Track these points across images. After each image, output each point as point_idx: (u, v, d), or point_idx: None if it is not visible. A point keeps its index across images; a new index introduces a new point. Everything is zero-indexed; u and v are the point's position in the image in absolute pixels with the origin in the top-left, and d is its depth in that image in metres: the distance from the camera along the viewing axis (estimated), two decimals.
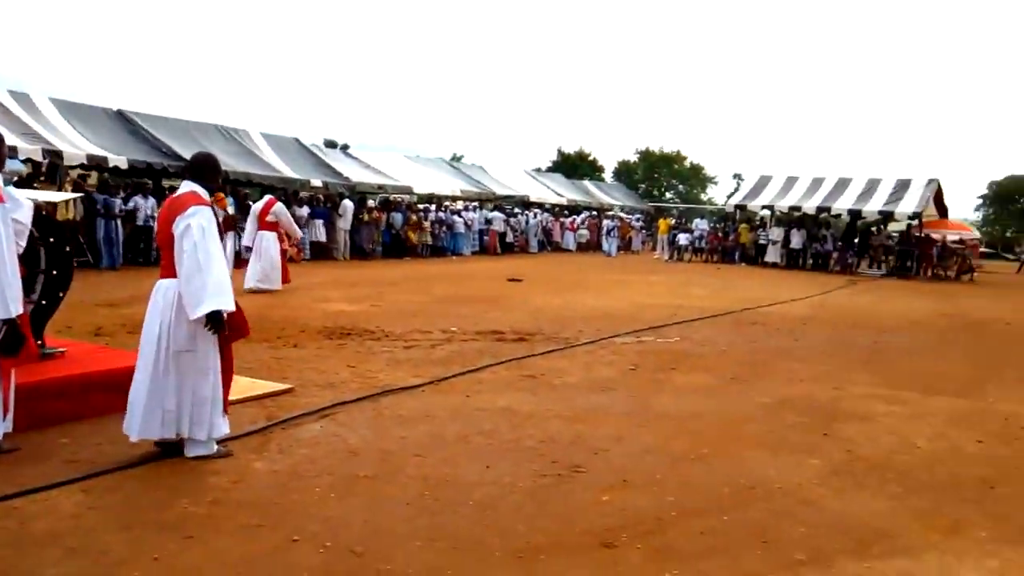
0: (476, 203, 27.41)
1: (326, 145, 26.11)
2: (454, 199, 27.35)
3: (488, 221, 26.62)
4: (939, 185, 25.63)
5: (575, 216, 32.73)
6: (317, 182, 20.49)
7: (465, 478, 4.30)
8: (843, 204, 25.34)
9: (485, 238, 26.47)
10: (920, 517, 4.09)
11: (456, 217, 25.19)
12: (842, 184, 26.24)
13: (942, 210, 26.97)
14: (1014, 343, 11.15)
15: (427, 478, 4.26)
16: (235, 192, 18.88)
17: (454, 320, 10.13)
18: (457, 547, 3.43)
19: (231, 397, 4.81)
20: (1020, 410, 6.63)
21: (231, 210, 15.28)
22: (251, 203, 18.48)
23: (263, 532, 3.49)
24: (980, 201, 53.27)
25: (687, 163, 59.03)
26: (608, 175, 55.15)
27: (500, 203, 28.71)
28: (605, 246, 30.02)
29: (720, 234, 28.63)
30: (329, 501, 3.88)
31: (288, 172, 20.04)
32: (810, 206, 25.66)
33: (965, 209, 51.17)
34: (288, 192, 18.71)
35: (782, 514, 4.03)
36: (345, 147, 26.59)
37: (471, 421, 5.44)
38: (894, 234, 26.68)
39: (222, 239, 4.48)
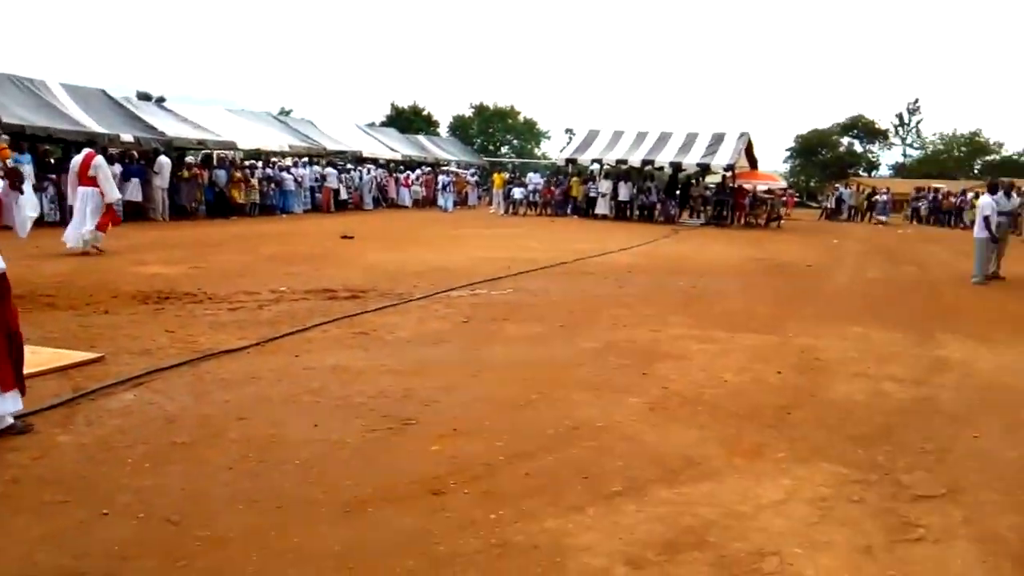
0: (306, 159, 26.41)
1: (139, 97, 24.24)
2: (283, 155, 26.24)
3: (322, 178, 25.77)
4: (749, 138, 27.35)
5: (410, 172, 32.34)
6: (128, 137, 18.96)
7: (291, 438, 4.22)
8: (665, 157, 26.51)
9: (318, 196, 25.63)
10: (725, 444, 4.44)
11: (285, 174, 24.17)
12: (664, 138, 27.43)
13: (753, 162, 28.79)
14: (813, 283, 12.21)
15: (251, 440, 4.14)
16: (34, 148, 17.22)
17: (283, 280, 9.81)
18: (281, 506, 3.37)
19: (29, 370, 4.45)
20: (815, 343, 7.31)
21: (28, 168, 13.95)
22: (51, 160, 16.92)
23: (69, 507, 3.28)
24: (788, 153, 57.04)
25: (521, 118, 59.47)
26: (443, 130, 54.72)
27: (333, 159, 27.84)
28: (441, 201, 29.91)
29: (553, 188, 29.28)
30: (143, 471, 3.69)
31: (94, 126, 18.42)
32: (635, 159, 26.66)
33: (775, 161, 54.62)
34: (96, 148, 17.25)
35: (603, 450, 4.25)
36: (161, 99, 24.74)
37: (299, 381, 5.33)
38: (711, 185, 28.32)
39: None
